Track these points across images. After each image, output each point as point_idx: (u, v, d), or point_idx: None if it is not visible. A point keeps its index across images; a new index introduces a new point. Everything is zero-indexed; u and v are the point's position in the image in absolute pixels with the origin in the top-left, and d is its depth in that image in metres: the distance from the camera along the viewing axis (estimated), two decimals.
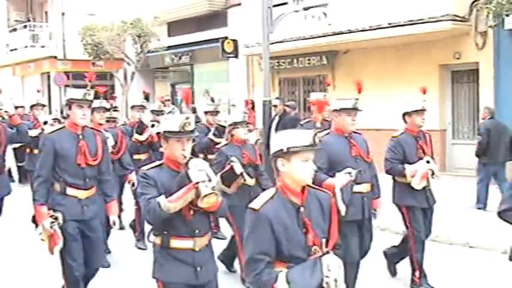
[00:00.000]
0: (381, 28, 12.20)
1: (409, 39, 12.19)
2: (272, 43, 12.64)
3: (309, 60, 14.99)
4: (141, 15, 17.16)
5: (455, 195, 10.11)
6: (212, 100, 16.32)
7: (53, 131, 4.76)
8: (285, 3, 13.06)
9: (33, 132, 8.30)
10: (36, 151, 8.24)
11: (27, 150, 9.95)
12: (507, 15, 9.23)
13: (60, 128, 4.83)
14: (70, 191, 4.72)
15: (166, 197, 3.35)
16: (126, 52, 18.21)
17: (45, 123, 8.30)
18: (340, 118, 5.00)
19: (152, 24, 16.68)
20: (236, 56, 16.42)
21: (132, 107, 8.16)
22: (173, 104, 17.55)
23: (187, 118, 3.51)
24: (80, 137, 4.76)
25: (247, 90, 16.87)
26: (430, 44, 12.30)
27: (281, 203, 2.81)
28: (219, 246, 7.78)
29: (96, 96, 7.82)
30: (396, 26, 11.91)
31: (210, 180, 3.39)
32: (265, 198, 2.83)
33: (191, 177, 3.36)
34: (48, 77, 25.15)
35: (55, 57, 24.68)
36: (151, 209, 3.35)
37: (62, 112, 11.20)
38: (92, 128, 5.04)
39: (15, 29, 26.68)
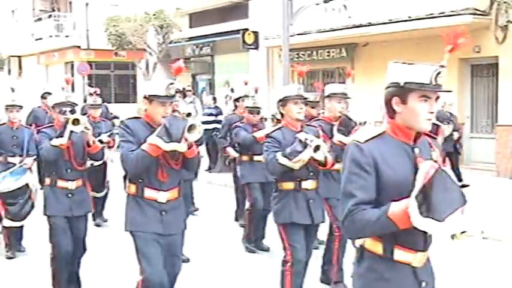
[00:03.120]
0: (400, 21, 12.24)
1: (428, 32, 12.17)
2: (292, 35, 12.77)
3: (328, 52, 15.08)
4: (163, 6, 17.37)
5: (472, 189, 10.16)
6: (232, 90, 16.52)
7: (370, 138, 2.56)
8: None
9: None
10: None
11: None
12: None
13: (379, 134, 2.60)
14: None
15: None
16: (149, 43, 18.45)
17: (189, 115, 6.02)
18: None
19: (174, 15, 16.89)
20: (257, 48, 16.55)
21: (330, 96, 5.51)
22: (194, 94, 17.74)
23: None
24: (416, 151, 2.61)
25: (267, 81, 17.01)
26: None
27: None
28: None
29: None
30: (416, 19, 11.94)
31: None
32: None
33: None
34: (72, 66, 25.53)
35: (78, 46, 25.03)
36: None
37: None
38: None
39: (40, 19, 27.12)
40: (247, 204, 7.27)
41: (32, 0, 28.27)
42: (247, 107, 7.25)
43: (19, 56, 30.46)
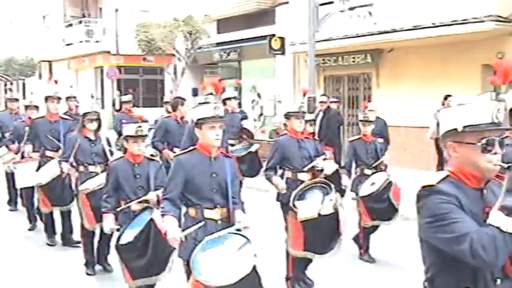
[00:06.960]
0: (424, 28, 12.47)
1: (452, 39, 12.42)
2: (318, 41, 13.10)
3: (353, 58, 15.35)
4: (192, 13, 17.83)
5: None
6: (259, 96, 16.91)
7: None
8: (331, 3, 13.46)
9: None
10: None
11: None
12: None
13: None
14: None
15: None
16: (177, 48, 18.93)
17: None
18: None
19: (203, 22, 17.31)
20: (283, 53, 16.93)
21: None
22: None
23: None
24: None
25: (293, 87, 17.35)
26: (473, 44, 12.50)
27: None
28: None
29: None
30: (440, 26, 12.17)
31: None
32: None
33: None
34: (102, 71, 26.20)
35: (108, 52, 25.69)
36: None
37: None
38: None
39: (70, 25, 27.89)
40: None
41: (63, 6, 29.07)
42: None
43: (50, 61, 31.25)
